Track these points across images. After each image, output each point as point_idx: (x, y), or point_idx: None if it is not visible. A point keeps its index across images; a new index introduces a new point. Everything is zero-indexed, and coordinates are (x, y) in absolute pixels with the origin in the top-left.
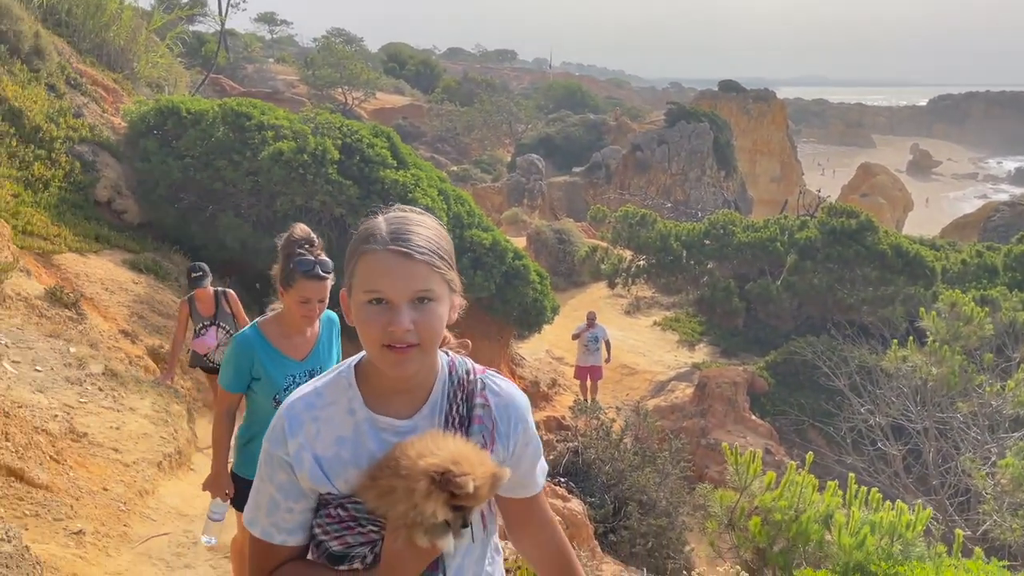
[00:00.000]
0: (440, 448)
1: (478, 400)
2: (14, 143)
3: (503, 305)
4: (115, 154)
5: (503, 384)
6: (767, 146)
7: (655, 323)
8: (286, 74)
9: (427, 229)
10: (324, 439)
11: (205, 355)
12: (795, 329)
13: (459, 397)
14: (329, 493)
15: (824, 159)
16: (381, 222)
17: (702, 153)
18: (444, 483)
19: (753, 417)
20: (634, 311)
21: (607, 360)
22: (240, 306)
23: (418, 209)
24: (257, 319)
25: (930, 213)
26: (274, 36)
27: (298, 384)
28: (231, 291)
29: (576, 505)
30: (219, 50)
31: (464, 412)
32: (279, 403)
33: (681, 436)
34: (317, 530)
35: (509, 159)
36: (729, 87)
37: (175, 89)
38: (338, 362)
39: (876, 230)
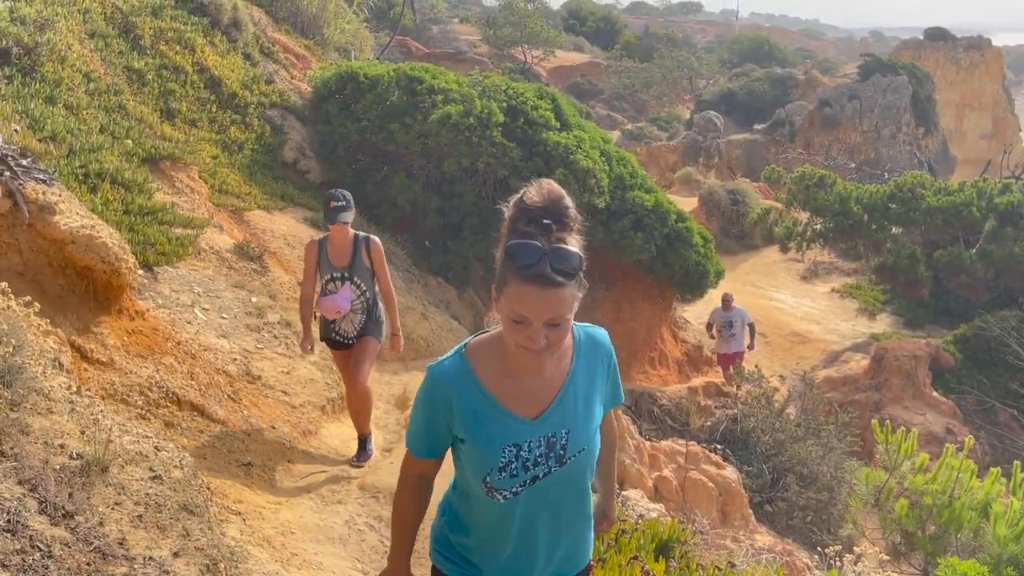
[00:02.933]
0: None
1: None
2: (214, 109)
3: (664, 267)
4: (300, 118)
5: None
6: (978, 100)
7: (833, 290)
8: (469, 34)
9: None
10: None
11: (333, 322)
12: (990, 302)
13: None
14: None
15: None
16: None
17: (898, 109)
18: None
19: (934, 394)
20: (811, 276)
21: (750, 347)
22: (384, 262)
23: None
24: (468, 339)
25: None
26: None
27: (525, 461)
28: (375, 239)
29: (731, 473)
30: (404, 12)
31: None
32: (491, 489)
33: (850, 410)
34: None
35: (688, 116)
36: (936, 35)
37: (361, 53)
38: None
39: None
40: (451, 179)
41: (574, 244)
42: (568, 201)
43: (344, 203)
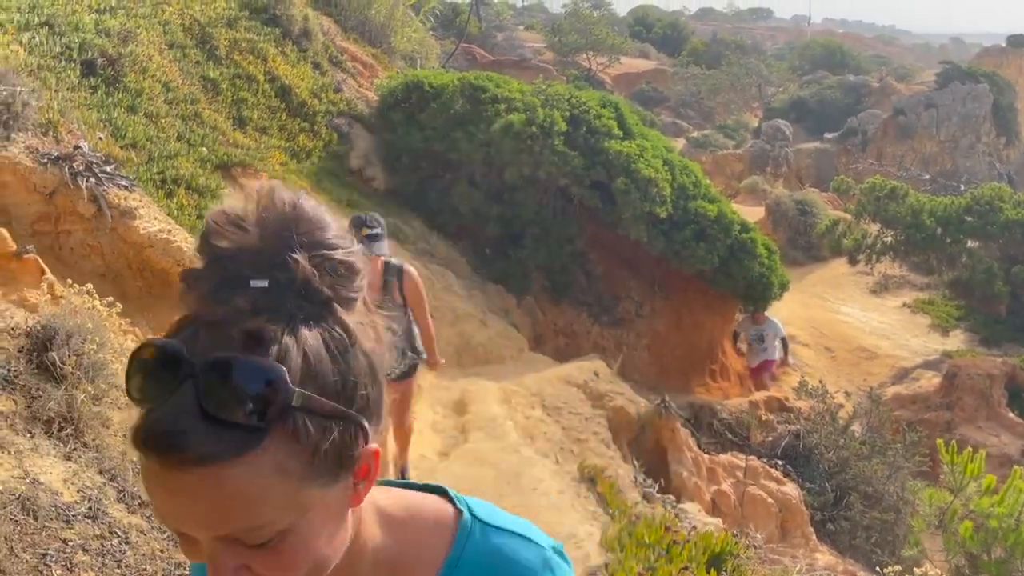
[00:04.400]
0: None
1: None
2: (284, 117)
3: (726, 279)
4: (367, 126)
5: None
6: None
7: (904, 304)
8: (534, 41)
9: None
10: None
11: None
12: None
13: None
14: None
15: None
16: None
17: (978, 118)
18: None
19: (1010, 415)
20: (881, 290)
21: (784, 362)
22: (421, 295)
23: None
24: None
25: None
26: (524, 3)
27: None
28: (411, 270)
29: (791, 489)
30: (470, 20)
31: None
32: None
33: (919, 429)
34: None
35: (756, 124)
36: (1020, 42)
37: (427, 61)
38: None
39: None
40: (512, 187)
41: (351, 317)
42: (316, 220)
43: (379, 230)
